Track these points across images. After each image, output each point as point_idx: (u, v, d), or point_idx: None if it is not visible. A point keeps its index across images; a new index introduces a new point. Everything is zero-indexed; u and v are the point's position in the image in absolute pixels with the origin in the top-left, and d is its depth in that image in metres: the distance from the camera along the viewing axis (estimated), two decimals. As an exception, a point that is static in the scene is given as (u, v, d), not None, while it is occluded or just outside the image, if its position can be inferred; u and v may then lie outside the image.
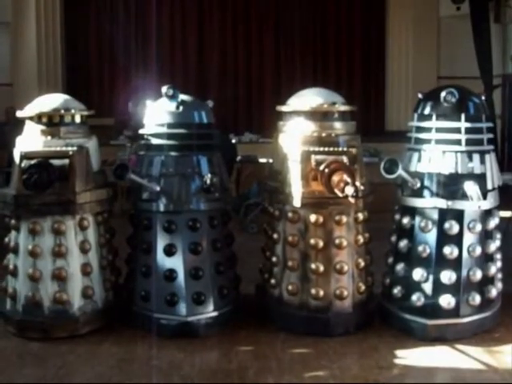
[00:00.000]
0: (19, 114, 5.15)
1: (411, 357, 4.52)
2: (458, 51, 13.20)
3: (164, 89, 5.01)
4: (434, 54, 14.17)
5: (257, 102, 14.95)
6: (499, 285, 5.09)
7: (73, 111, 5.10)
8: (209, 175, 4.89)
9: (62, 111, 5.07)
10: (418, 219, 4.91)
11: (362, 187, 4.68)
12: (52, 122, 5.06)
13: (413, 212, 4.96)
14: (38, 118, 5.07)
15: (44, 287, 4.89)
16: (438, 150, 4.86)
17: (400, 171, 4.72)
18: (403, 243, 4.99)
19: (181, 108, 5.05)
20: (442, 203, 4.81)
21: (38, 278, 4.88)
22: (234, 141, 10.63)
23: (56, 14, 13.98)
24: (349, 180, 4.41)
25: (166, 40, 15.19)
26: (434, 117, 4.92)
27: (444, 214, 4.83)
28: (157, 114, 5.12)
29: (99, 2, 14.95)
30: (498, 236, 5.11)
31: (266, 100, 14.45)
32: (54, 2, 13.93)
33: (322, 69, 15.12)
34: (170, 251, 4.93)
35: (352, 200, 4.48)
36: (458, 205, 4.80)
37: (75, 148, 4.94)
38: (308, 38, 15.23)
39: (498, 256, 5.11)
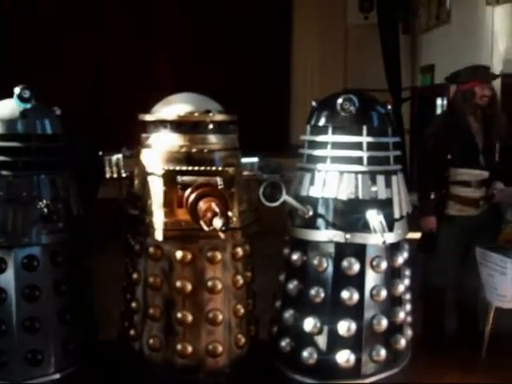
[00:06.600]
0: None
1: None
2: (366, 62, 12.48)
3: (17, 89, 3.95)
4: (341, 64, 13.43)
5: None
6: (409, 332, 4.21)
7: None
8: (44, 201, 3.86)
9: None
10: (310, 255, 3.99)
11: (235, 218, 3.72)
12: None
13: (304, 246, 4.04)
14: None
15: None
16: (335, 170, 3.96)
17: (284, 197, 3.79)
18: (293, 284, 4.06)
19: (16, 115, 4.01)
20: (340, 236, 3.91)
21: None
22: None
23: None
24: (218, 210, 3.43)
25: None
26: (329, 129, 4.01)
27: (342, 250, 3.92)
28: (-15, 123, 4.06)
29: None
30: (408, 273, 4.24)
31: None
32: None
33: (225, 82, 13.74)
34: (-3, 298, 3.88)
35: (222, 235, 3.50)
36: (359, 238, 3.91)
37: None
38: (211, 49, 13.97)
39: (408, 297, 4.24)
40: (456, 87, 5.12)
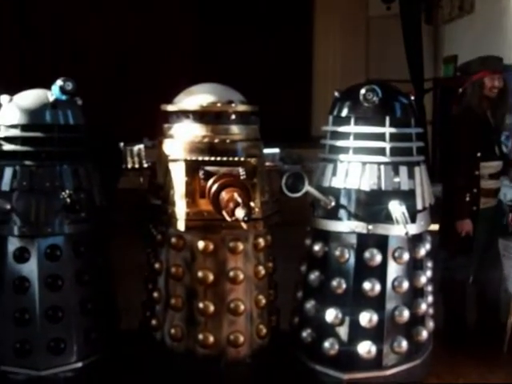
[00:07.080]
0: None
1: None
2: (389, 53, 12.35)
3: (59, 81, 3.98)
4: (362, 55, 13.20)
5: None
6: (430, 324, 4.20)
7: None
8: (67, 191, 3.89)
9: None
10: (332, 246, 3.99)
11: (257, 208, 3.73)
12: None
13: (326, 237, 4.03)
14: None
15: None
16: (357, 160, 3.95)
17: (307, 188, 3.78)
18: (314, 275, 4.05)
19: (41, 105, 4.03)
20: (362, 227, 3.90)
21: None
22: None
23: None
24: (240, 200, 3.43)
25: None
26: (352, 120, 4.00)
27: (364, 241, 3.92)
28: (9, 113, 4.06)
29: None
30: (430, 265, 4.22)
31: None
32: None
33: (246, 72, 13.60)
34: (21, 286, 3.91)
35: (244, 225, 3.50)
36: (381, 229, 3.90)
37: None
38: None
39: (430, 289, 4.23)
40: (469, 78, 5.03)
